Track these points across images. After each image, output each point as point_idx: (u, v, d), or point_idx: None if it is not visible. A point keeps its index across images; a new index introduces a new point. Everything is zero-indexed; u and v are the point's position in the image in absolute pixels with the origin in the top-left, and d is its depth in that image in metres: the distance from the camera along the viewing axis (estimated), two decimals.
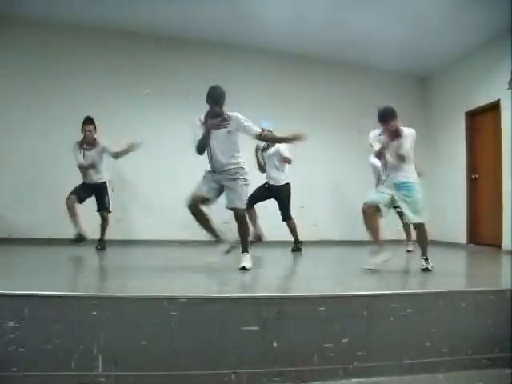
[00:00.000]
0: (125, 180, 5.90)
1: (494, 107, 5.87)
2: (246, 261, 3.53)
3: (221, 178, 3.60)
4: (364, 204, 3.69)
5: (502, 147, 5.67)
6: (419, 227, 3.72)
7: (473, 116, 6.46)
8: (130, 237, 5.60)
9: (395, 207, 4.04)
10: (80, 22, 5.71)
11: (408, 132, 3.67)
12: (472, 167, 6.44)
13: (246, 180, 3.60)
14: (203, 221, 3.63)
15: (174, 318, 2.32)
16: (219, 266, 3.58)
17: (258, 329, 2.38)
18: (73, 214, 4.63)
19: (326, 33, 5.91)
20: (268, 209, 5.32)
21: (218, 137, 3.55)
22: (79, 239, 4.69)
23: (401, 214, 4.26)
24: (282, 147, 5.03)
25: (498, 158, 5.74)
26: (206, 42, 6.26)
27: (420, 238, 3.78)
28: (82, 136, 4.85)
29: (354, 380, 2.44)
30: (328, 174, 6.71)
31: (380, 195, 3.68)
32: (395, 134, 3.64)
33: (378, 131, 3.78)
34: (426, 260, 3.69)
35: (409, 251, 5.29)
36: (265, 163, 5.23)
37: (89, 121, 4.83)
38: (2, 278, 2.85)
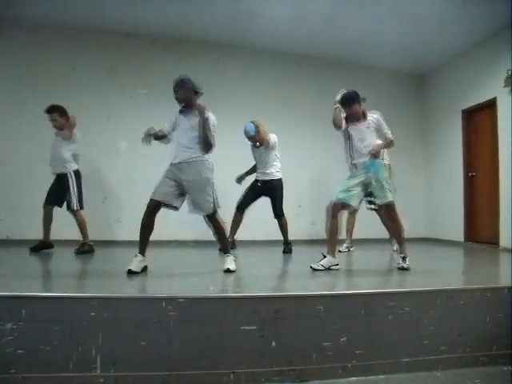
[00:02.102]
0: (123, 180, 5.90)
1: (491, 105, 5.88)
2: (230, 262, 3.43)
3: (182, 177, 3.33)
4: (330, 202, 3.64)
5: (499, 145, 5.69)
6: (389, 207, 3.63)
7: (470, 114, 6.47)
8: (128, 237, 5.59)
9: (370, 202, 4.26)
10: (77, 23, 5.69)
11: (373, 116, 3.69)
12: (469, 165, 6.46)
13: (211, 179, 3.38)
14: (146, 234, 3.36)
15: (172, 318, 2.32)
16: (218, 267, 3.57)
17: (256, 328, 2.39)
18: (48, 222, 4.52)
19: (325, 32, 5.90)
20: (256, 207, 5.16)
21: (183, 127, 3.41)
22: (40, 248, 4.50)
23: (376, 210, 4.41)
24: (271, 143, 4.81)
25: (495, 155, 5.75)
26: (205, 41, 6.26)
27: (392, 220, 3.73)
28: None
29: (352, 378, 2.45)
30: (326, 173, 6.71)
31: (348, 194, 3.59)
32: (359, 118, 3.67)
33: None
34: (404, 259, 3.64)
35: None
36: (255, 159, 5.03)
37: (49, 111, 4.56)
38: (0, 279, 2.84)
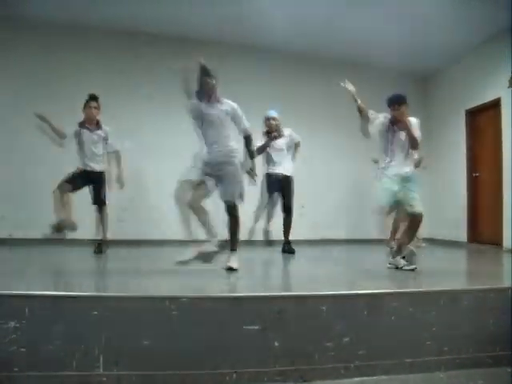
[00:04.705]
0: (126, 179, 5.90)
1: (495, 105, 5.86)
2: (233, 260, 3.38)
3: (215, 169, 3.35)
4: (383, 209, 3.78)
5: (503, 145, 5.67)
6: (417, 218, 3.64)
7: (473, 114, 6.45)
8: (131, 237, 5.61)
9: None
10: (81, 23, 5.71)
11: (414, 121, 3.78)
12: (473, 165, 6.44)
13: (240, 172, 3.39)
14: (203, 215, 3.36)
15: (175, 317, 2.32)
16: (221, 266, 3.57)
17: (259, 328, 2.38)
18: (63, 204, 4.16)
19: (327, 32, 5.91)
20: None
21: (212, 119, 3.36)
22: (62, 227, 4.15)
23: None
24: (293, 135, 5.05)
25: (499, 156, 5.73)
26: (208, 41, 6.25)
27: (411, 228, 3.73)
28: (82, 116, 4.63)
29: (355, 379, 2.44)
30: (329, 173, 6.71)
31: (391, 198, 3.65)
32: (403, 122, 3.68)
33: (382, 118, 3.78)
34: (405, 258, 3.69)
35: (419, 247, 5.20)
36: (270, 153, 4.98)
37: (94, 98, 4.59)
38: (3, 278, 2.85)
